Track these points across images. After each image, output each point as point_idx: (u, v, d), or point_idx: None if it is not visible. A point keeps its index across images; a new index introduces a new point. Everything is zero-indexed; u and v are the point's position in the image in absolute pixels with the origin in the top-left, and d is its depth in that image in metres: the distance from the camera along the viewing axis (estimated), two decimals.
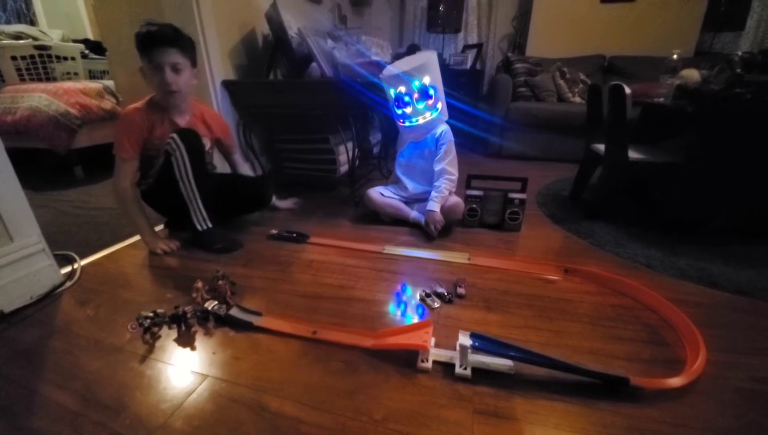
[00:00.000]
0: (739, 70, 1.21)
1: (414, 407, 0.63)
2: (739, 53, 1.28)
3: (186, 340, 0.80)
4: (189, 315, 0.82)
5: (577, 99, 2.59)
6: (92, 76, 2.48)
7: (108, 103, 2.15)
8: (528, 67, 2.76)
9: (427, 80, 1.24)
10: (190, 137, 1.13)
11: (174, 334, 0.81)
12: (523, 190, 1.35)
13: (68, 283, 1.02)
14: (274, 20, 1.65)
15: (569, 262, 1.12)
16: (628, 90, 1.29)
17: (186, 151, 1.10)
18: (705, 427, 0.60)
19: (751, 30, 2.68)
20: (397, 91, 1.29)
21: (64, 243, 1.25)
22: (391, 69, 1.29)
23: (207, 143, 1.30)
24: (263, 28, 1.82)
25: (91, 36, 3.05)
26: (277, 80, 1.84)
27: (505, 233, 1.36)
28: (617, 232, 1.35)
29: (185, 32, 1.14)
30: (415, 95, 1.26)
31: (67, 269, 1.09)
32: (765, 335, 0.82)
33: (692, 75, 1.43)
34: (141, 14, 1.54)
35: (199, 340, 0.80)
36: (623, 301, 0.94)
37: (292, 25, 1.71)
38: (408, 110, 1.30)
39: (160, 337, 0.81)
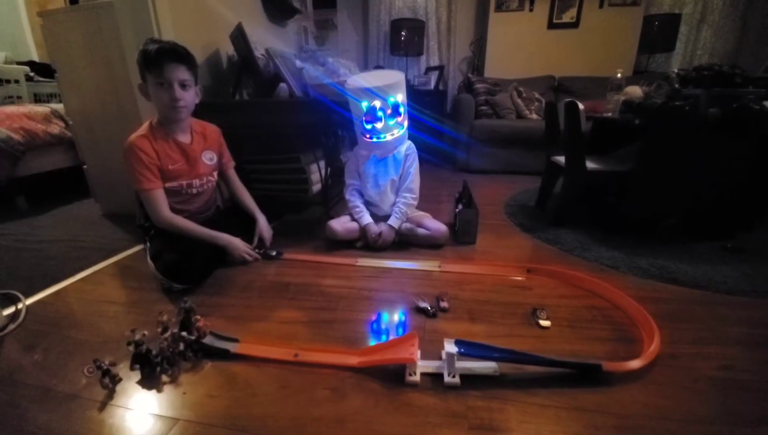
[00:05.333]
0: (677, 85, 1.34)
1: (408, 430, 0.60)
2: (676, 70, 1.42)
3: (152, 381, 0.72)
4: (154, 352, 0.75)
5: (534, 116, 2.76)
6: (38, 99, 2.31)
7: (56, 128, 2.00)
8: (487, 87, 2.91)
9: (400, 98, 1.27)
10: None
11: (137, 375, 0.73)
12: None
13: (11, 326, 0.90)
14: (239, 41, 1.63)
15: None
16: (581, 106, 1.39)
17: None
18: (686, 418, 0.62)
19: (680, 51, 3.04)
20: (371, 105, 1.28)
21: (5, 281, 1.12)
22: (363, 82, 1.27)
23: (213, 158, 1.28)
24: (228, 49, 1.80)
25: (36, 58, 2.86)
26: (245, 100, 1.80)
27: (480, 244, 1.39)
28: (583, 237, 1.41)
29: None
30: (389, 111, 1.27)
31: (10, 310, 0.97)
32: (725, 325, 0.88)
33: (635, 91, 1.57)
34: (95, 35, 1.47)
35: (167, 380, 0.73)
36: (596, 301, 0.98)
37: (259, 47, 1.70)
38: (379, 125, 1.30)
39: (121, 379, 0.72)
